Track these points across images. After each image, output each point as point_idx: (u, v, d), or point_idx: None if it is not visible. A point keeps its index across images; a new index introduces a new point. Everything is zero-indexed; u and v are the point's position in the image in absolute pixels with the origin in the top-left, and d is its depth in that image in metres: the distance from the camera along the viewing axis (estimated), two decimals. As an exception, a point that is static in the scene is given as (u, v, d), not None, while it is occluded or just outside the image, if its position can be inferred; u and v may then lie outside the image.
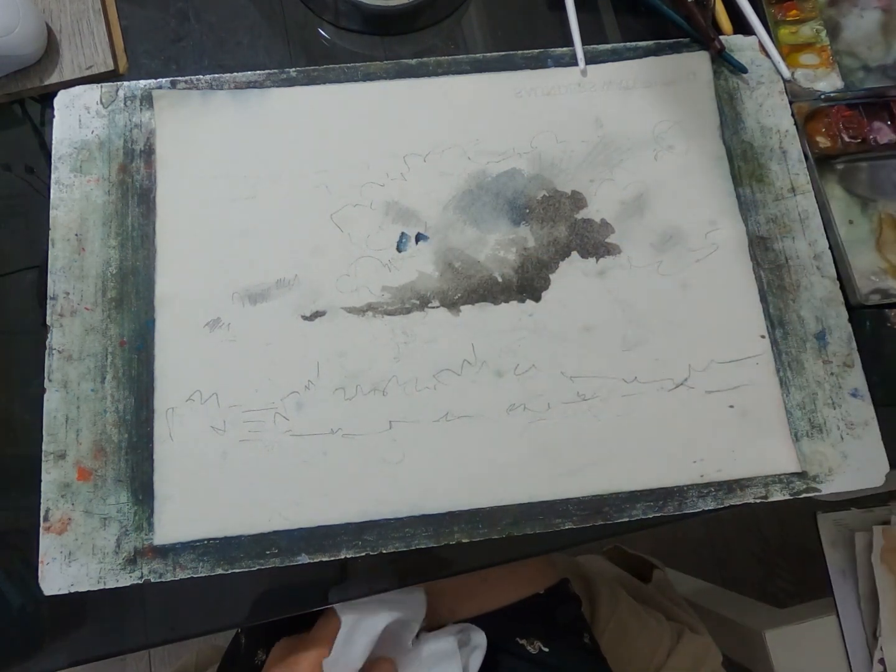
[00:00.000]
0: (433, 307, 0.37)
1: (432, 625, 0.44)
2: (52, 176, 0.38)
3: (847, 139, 0.40)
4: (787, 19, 0.43)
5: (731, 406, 0.36)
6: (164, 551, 0.33)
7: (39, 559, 0.33)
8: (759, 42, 0.42)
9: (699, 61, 0.41)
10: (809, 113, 0.41)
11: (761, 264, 0.38)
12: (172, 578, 0.33)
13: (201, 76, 0.40)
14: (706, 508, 0.35)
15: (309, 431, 0.35)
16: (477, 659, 0.40)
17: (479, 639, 0.41)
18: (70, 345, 0.35)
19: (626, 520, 0.34)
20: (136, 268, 0.37)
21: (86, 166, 0.38)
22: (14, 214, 0.39)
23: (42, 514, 0.33)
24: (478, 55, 0.41)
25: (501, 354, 0.36)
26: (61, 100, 0.39)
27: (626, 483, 0.35)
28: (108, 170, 0.38)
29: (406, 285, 0.37)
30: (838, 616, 0.56)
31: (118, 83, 0.40)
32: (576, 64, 0.41)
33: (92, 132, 0.39)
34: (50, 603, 0.33)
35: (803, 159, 0.40)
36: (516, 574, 0.48)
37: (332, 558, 0.33)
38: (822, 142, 0.40)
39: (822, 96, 0.41)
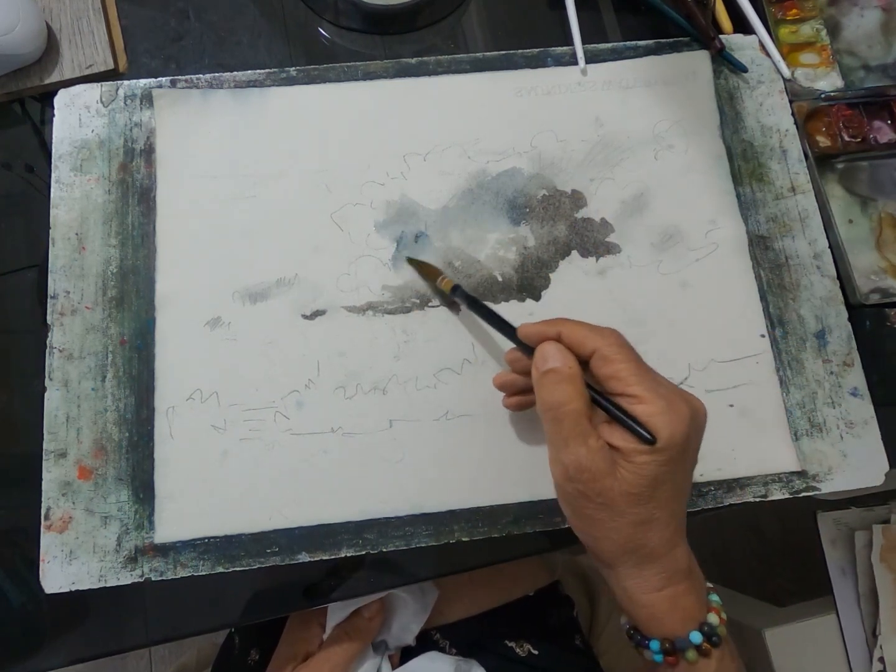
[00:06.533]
0: (433, 306, 0.37)
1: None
2: (53, 175, 0.38)
3: (847, 138, 0.40)
4: (788, 18, 0.43)
5: (731, 405, 0.36)
6: (164, 549, 0.33)
7: (40, 557, 0.33)
8: (760, 41, 0.42)
9: (699, 60, 0.41)
10: (809, 112, 0.41)
11: (761, 263, 0.38)
12: (173, 577, 0.33)
13: (201, 75, 0.40)
14: (706, 507, 0.35)
15: (309, 430, 0.35)
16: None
17: None
18: (70, 344, 0.35)
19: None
20: (136, 267, 0.37)
21: (86, 165, 0.38)
22: (14, 213, 0.39)
23: (43, 512, 0.33)
24: (478, 54, 0.41)
25: (502, 354, 0.36)
26: (61, 99, 0.39)
27: (625, 482, 0.35)
28: (109, 169, 0.38)
29: (406, 284, 0.37)
30: (838, 615, 0.56)
31: (118, 82, 0.40)
32: (576, 63, 0.41)
33: (92, 131, 0.39)
34: (51, 601, 0.33)
35: (803, 158, 0.40)
36: (505, 576, 0.48)
37: (333, 557, 0.33)
38: (822, 141, 0.40)
39: (823, 95, 0.41)
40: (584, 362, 0.28)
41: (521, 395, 0.33)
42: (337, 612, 0.39)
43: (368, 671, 0.39)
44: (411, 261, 0.37)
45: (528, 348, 0.29)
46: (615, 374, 0.26)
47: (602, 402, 0.27)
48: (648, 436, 0.25)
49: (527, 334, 0.29)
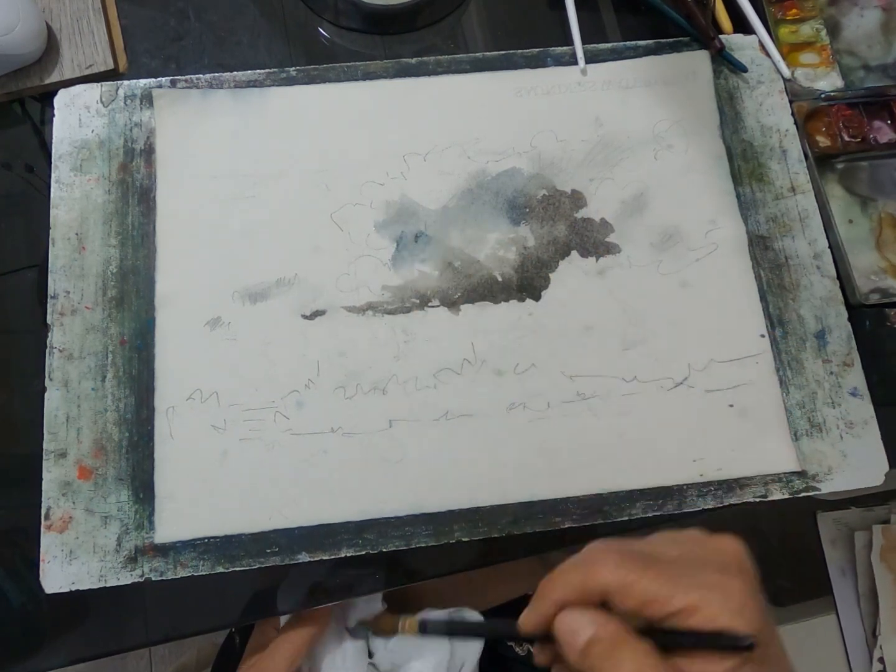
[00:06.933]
0: (433, 306, 0.37)
1: None
2: (53, 175, 0.38)
3: (847, 138, 0.40)
4: (788, 18, 0.43)
5: (731, 405, 0.36)
6: (164, 549, 0.33)
7: (40, 557, 0.33)
8: (760, 41, 0.42)
9: (699, 60, 0.41)
10: (809, 112, 0.41)
11: (761, 263, 0.38)
12: (173, 577, 0.33)
13: (201, 75, 0.40)
14: (706, 507, 0.35)
15: (309, 430, 0.35)
16: (473, 647, 0.40)
17: (472, 615, 0.40)
18: (70, 344, 0.35)
19: (626, 519, 0.34)
20: (136, 267, 0.37)
21: (86, 165, 0.38)
22: (14, 213, 0.39)
23: (43, 512, 0.33)
24: (478, 54, 0.41)
25: (501, 353, 0.36)
26: (61, 99, 0.39)
27: (625, 482, 0.35)
28: (109, 169, 0.38)
29: (406, 284, 0.37)
30: (838, 615, 0.56)
31: (118, 82, 0.40)
32: (576, 63, 0.41)
33: (92, 131, 0.39)
34: (51, 601, 0.33)
35: (803, 158, 0.40)
36: (505, 575, 0.47)
37: (333, 557, 0.33)
38: (822, 141, 0.40)
39: (823, 95, 0.41)
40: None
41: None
42: None
43: (357, 658, 0.39)
44: (362, 627, 0.37)
45: (541, 636, 0.24)
46: (643, 598, 0.21)
47: (669, 639, 0.21)
48: (743, 641, 0.20)
49: (531, 623, 0.24)
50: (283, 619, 0.39)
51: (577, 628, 0.22)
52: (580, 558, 0.23)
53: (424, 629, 0.28)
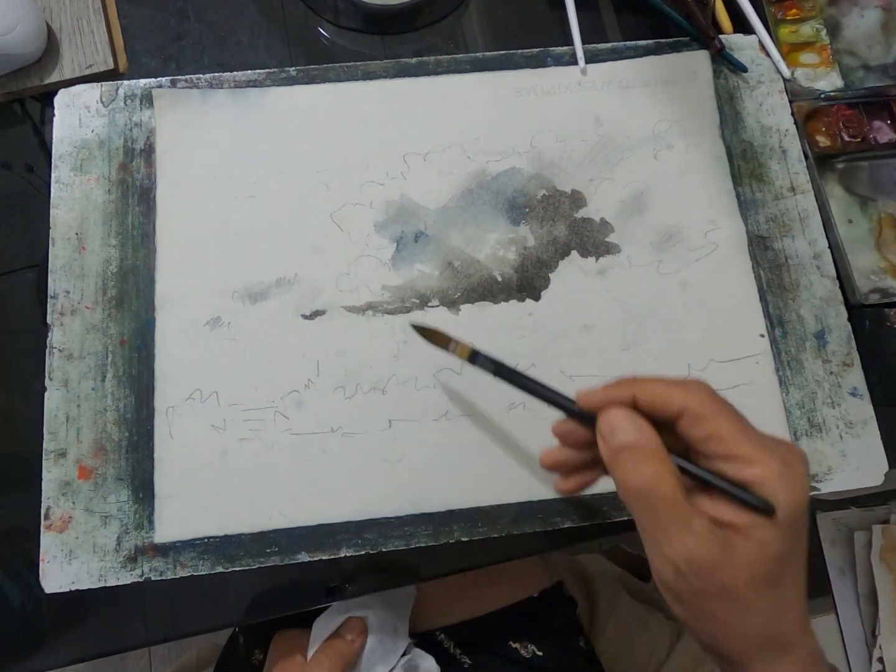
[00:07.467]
0: (433, 306, 0.37)
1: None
2: (53, 175, 0.38)
3: (847, 138, 0.40)
4: (788, 18, 0.43)
5: (731, 405, 0.36)
6: (164, 549, 0.33)
7: (40, 557, 0.33)
8: (759, 41, 0.42)
9: (699, 60, 0.41)
10: (809, 112, 0.41)
11: (761, 263, 0.38)
12: (173, 576, 0.33)
13: (201, 75, 0.40)
14: (705, 507, 0.35)
15: (309, 430, 0.35)
16: None
17: (428, 664, 0.40)
18: (70, 343, 0.35)
19: (626, 518, 0.34)
20: (136, 266, 0.37)
21: (86, 165, 0.38)
22: (14, 213, 0.39)
23: (43, 512, 0.33)
24: (478, 54, 0.41)
25: (501, 353, 0.36)
26: (61, 99, 0.39)
27: (625, 482, 0.35)
28: (109, 169, 0.38)
29: (406, 284, 0.37)
30: (837, 615, 0.56)
31: (118, 82, 0.40)
32: (576, 63, 0.41)
33: (92, 131, 0.39)
34: (51, 601, 0.33)
35: (803, 158, 0.40)
36: (509, 577, 0.47)
37: (332, 557, 0.33)
38: (822, 141, 0.40)
39: (822, 95, 0.41)
40: (658, 424, 0.23)
41: (579, 472, 0.28)
42: (318, 635, 0.38)
43: None
44: (416, 327, 0.33)
45: (587, 417, 0.25)
46: (715, 433, 0.22)
47: (701, 473, 0.22)
48: (764, 505, 0.21)
49: (590, 402, 0.25)
50: (311, 650, 0.38)
51: (620, 427, 0.23)
52: (681, 380, 0.24)
53: (474, 359, 0.30)
